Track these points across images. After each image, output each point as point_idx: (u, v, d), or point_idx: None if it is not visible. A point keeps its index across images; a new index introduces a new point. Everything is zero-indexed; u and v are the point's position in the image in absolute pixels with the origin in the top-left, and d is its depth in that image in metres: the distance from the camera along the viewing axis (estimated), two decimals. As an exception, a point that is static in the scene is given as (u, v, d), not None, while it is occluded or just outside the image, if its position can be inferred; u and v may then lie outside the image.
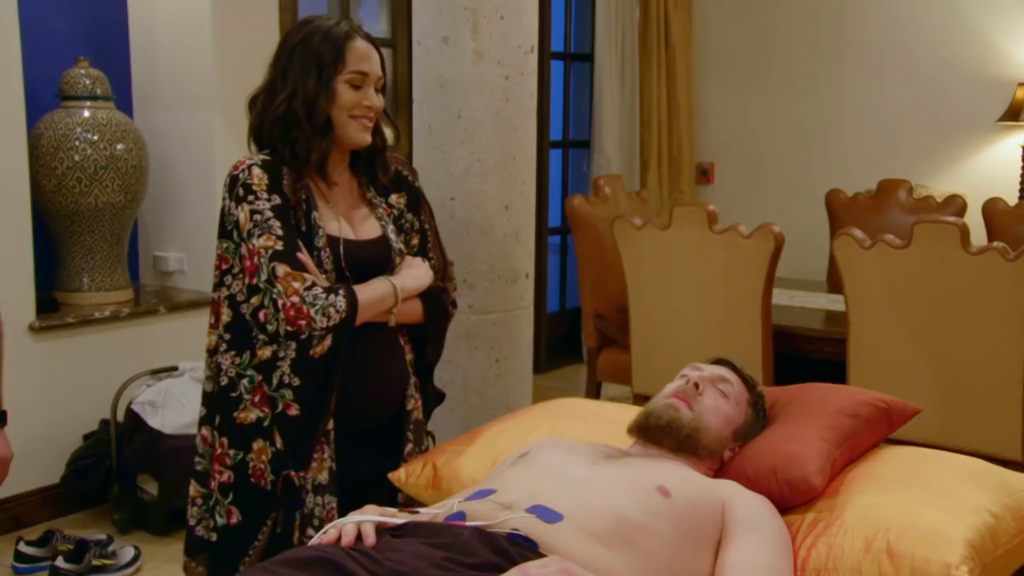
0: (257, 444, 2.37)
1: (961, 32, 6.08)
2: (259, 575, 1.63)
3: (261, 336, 2.33)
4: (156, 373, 4.07)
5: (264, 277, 2.30)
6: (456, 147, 3.45)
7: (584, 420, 2.56)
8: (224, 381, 2.38)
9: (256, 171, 2.35)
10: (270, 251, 2.31)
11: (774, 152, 6.85)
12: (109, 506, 4.03)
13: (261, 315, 2.30)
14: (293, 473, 2.38)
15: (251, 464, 2.37)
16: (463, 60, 3.40)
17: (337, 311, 2.31)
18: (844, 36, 6.50)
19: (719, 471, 2.17)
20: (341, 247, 2.41)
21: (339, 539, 1.73)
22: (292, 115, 2.39)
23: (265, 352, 2.34)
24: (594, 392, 4.64)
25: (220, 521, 2.41)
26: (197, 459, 2.50)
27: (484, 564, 1.63)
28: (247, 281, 2.32)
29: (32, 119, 3.98)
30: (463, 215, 3.45)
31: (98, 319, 4.10)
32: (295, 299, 2.29)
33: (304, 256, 2.34)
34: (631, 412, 2.37)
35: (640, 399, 3.87)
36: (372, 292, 2.40)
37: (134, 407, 3.95)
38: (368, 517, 1.78)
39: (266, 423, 2.36)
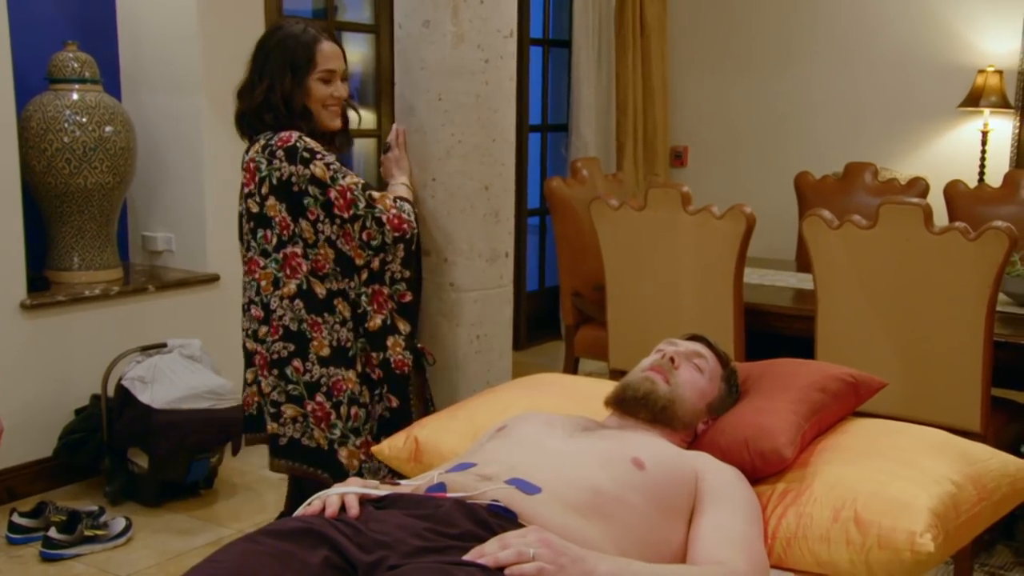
0: (390, 340, 3.02)
1: (925, 21, 6.17)
2: (243, 545, 1.65)
3: (367, 252, 2.92)
4: (145, 350, 4.08)
5: (363, 204, 2.89)
6: (437, 129, 3.47)
7: (562, 395, 2.58)
8: (346, 305, 2.95)
9: (307, 139, 2.88)
10: (359, 185, 2.91)
11: (746, 136, 6.90)
12: (101, 478, 4.06)
13: (365, 235, 2.90)
14: (420, 344, 3.12)
15: (392, 358, 3.02)
16: (444, 44, 3.42)
17: (412, 215, 3.01)
18: (814, 24, 6.56)
19: (693, 443, 2.20)
20: None
21: (323, 510, 1.76)
22: (267, 104, 2.91)
23: (375, 263, 2.95)
24: (572, 368, 4.64)
25: (387, 406, 3.05)
26: (292, 386, 2.93)
27: (464, 534, 1.66)
28: (345, 216, 2.85)
29: (21, 101, 3.99)
30: (444, 196, 3.48)
31: (88, 297, 4.12)
32: (394, 211, 2.94)
33: None
34: (608, 387, 2.39)
35: (617, 374, 3.84)
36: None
37: (124, 383, 3.96)
38: (351, 489, 1.81)
39: (388, 321, 3.00)
